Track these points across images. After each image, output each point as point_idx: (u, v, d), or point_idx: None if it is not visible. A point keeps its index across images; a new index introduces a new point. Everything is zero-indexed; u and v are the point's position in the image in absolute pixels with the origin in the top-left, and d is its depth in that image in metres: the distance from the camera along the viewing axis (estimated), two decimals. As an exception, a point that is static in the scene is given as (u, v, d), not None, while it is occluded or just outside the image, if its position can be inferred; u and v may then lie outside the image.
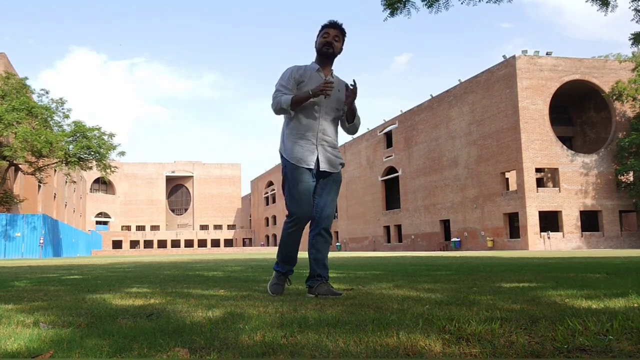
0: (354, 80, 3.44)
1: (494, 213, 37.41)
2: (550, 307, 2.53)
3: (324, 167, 3.39)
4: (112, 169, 33.11)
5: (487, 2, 8.11)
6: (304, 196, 3.35)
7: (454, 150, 41.94)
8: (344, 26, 3.45)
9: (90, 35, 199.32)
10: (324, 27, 3.44)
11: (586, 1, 9.35)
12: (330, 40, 3.38)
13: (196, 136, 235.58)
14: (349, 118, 3.54)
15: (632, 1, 10.35)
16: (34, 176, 32.91)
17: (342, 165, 3.54)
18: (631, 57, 35.49)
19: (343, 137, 63.14)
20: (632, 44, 12.60)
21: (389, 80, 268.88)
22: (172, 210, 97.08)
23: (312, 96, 3.29)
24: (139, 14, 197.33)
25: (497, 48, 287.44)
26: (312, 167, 3.36)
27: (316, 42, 3.45)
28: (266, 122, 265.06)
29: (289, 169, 3.40)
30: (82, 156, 31.77)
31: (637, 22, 10.56)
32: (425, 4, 8.25)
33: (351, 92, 3.43)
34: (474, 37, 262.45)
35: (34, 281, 5.43)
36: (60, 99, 31.55)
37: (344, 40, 3.47)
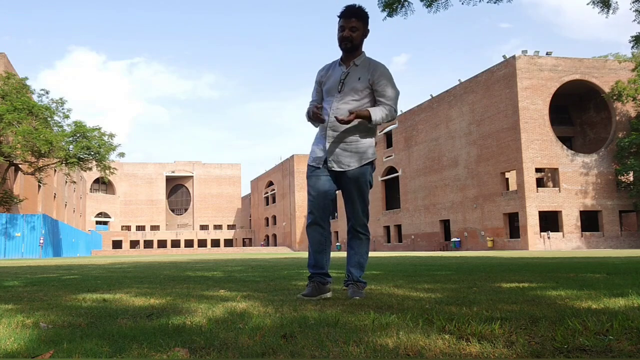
0: (347, 113, 3.17)
1: (494, 213, 37.41)
2: (550, 307, 2.53)
3: (331, 165, 3.27)
4: (112, 169, 33.10)
5: (487, 2, 8.12)
6: (314, 192, 3.30)
7: (454, 150, 41.94)
8: (360, 7, 3.20)
9: (90, 35, 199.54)
10: (339, 17, 3.24)
11: (588, 3, 9.39)
12: (347, 34, 3.19)
13: (196, 136, 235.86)
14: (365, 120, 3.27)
15: (633, 2, 10.36)
16: (34, 176, 32.90)
17: (357, 161, 3.24)
18: (631, 57, 35.52)
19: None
20: (632, 46, 12.64)
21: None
22: (172, 210, 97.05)
23: (308, 119, 3.30)
24: (138, 13, 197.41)
25: (497, 48, 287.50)
26: (320, 166, 3.29)
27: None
28: (266, 122, 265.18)
29: (307, 166, 3.41)
30: (81, 156, 31.76)
31: (638, 22, 10.59)
32: (425, 4, 8.26)
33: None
34: (474, 37, 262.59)
35: (34, 281, 5.42)
36: (60, 99, 31.57)
37: (364, 22, 3.23)
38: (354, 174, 3.28)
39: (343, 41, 3.21)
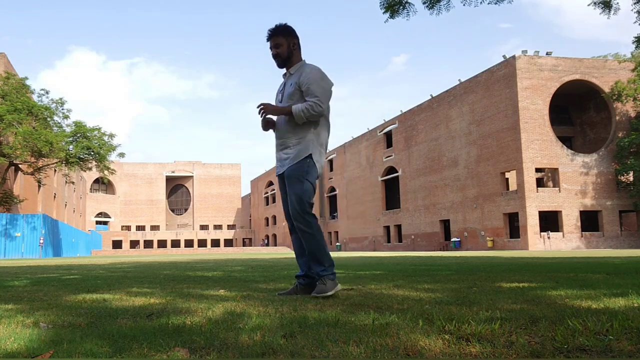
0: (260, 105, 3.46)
1: (494, 213, 37.40)
2: (550, 307, 2.53)
3: (278, 171, 3.56)
4: (111, 170, 33.11)
5: (488, 3, 8.10)
6: (282, 203, 3.62)
7: (453, 150, 41.93)
8: (280, 25, 3.50)
9: (90, 35, 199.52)
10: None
11: (589, 4, 9.39)
12: (273, 52, 3.50)
13: (196, 136, 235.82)
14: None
15: (634, 3, 10.36)
16: (33, 176, 32.90)
17: (291, 160, 3.41)
18: (630, 57, 35.53)
19: (343, 138, 62.02)
20: (635, 47, 12.69)
21: (388, 80, 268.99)
22: (172, 210, 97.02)
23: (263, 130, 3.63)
24: (138, 13, 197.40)
25: (497, 48, 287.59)
26: (278, 172, 3.58)
27: None
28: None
29: None
30: (82, 156, 31.77)
31: (639, 24, 10.61)
32: (427, 6, 8.23)
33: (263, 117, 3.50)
34: (474, 37, 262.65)
35: (34, 281, 5.42)
36: (60, 99, 31.54)
37: (285, 35, 3.48)
38: (288, 171, 3.46)
39: (274, 60, 3.53)
